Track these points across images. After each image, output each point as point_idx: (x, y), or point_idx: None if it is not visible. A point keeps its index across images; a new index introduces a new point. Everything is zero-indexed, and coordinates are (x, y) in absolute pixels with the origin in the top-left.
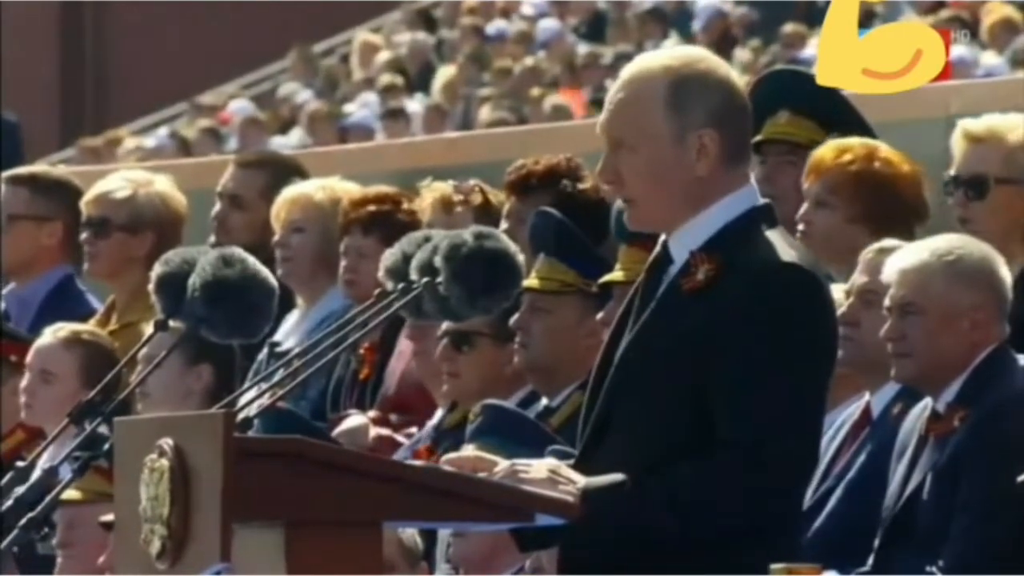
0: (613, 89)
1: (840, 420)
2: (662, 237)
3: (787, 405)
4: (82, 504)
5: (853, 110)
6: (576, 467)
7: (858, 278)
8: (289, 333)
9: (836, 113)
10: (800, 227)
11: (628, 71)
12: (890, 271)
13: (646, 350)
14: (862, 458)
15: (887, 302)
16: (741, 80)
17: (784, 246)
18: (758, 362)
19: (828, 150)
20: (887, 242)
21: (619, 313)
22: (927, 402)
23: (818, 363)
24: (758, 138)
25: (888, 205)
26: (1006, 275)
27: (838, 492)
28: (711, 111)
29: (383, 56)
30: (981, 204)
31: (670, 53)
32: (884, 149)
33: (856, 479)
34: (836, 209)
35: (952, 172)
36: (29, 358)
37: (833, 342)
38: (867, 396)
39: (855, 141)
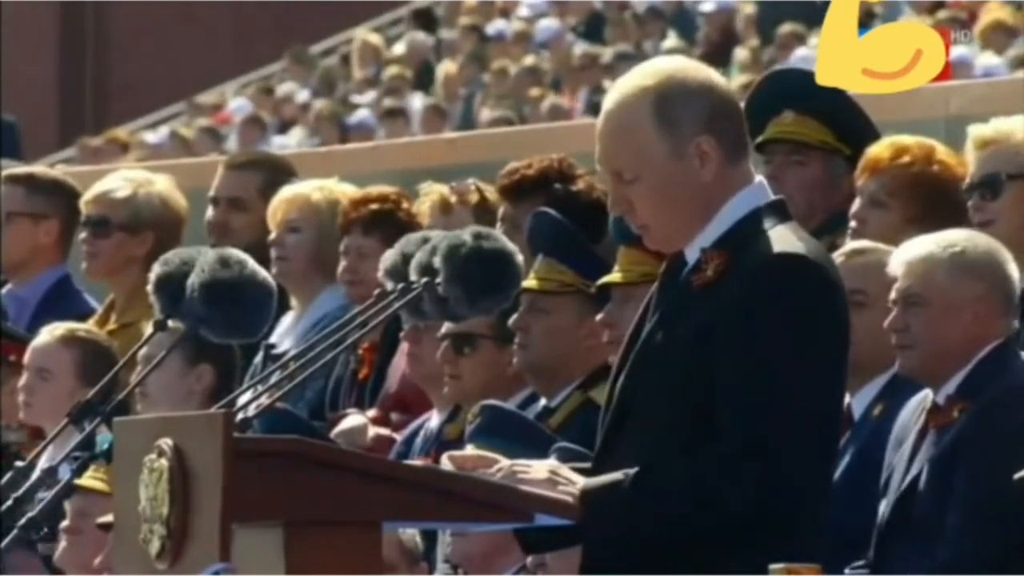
0: (599, 123)
1: None
2: None
3: (790, 399)
4: (100, 495)
5: (858, 109)
6: (596, 463)
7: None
8: (284, 335)
9: (841, 112)
10: (852, 224)
11: (609, 102)
12: (896, 263)
13: (660, 347)
14: (845, 460)
15: (892, 295)
16: (739, 80)
17: (793, 239)
18: (763, 353)
19: (885, 149)
20: (859, 244)
21: (639, 312)
22: (926, 393)
23: (828, 352)
24: (763, 138)
25: (945, 207)
26: (1013, 271)
27: None
28: (701, 117)
29: (383, 56)
30: (997, 203)
31: (644, 72)
32: (941, 150)
33: (840, 482)
34: (893, 210)
35: (968, 180)
36: (26, 357)
37: (844, 330)
38: (848, 398)
39: (911, 141)
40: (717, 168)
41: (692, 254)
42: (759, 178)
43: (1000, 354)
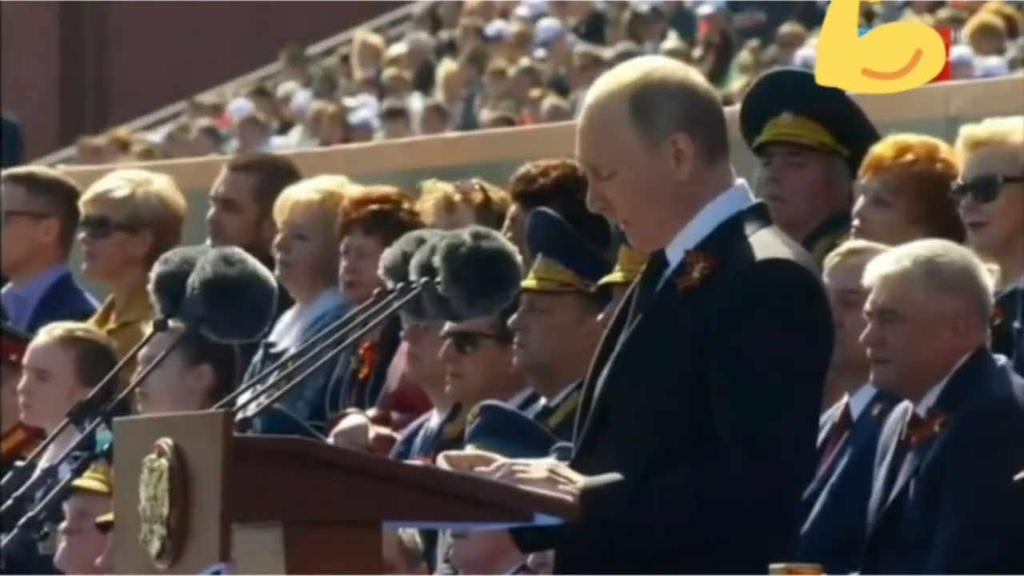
0: (579, 119)
1: (821, 423)
2: None
3: (785, 403)
4: (98, 495)
5: (857, 110)
6: (572, 466)
7: (833, 282)
8: (283, 333)
9: (840, 113)
10: (856, 223)
11: (589, 97)
12: (871, 275)
13: (643, 349)
14: (844, 461)
15: (867, 307)
16: (740, 81)
17: (778, 243)
18: (755, 360)
19: (888, 148)
20: (855, 243)
21: (615, 314)
22: (907, 405)
23: (815, 358)
24: (761, 139)
25: (948, 207)
26: (987, 281)
27: (823, 496)
28: (677, 115)
29: (383, 56)
30: (992, 205)
31: (623, 69)
32: (944, 149)
33: (839, 483)
34: (896, 209)
35: (959, 181)
36: (25, 358)
37: (829, 338)
38: (846, 398)
39: (915, 140)
40: (694, 167)
41: (675, 255)
42: (740, 181)
43: (978, 363)
